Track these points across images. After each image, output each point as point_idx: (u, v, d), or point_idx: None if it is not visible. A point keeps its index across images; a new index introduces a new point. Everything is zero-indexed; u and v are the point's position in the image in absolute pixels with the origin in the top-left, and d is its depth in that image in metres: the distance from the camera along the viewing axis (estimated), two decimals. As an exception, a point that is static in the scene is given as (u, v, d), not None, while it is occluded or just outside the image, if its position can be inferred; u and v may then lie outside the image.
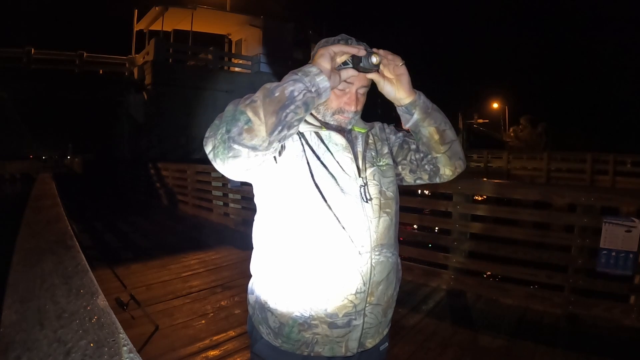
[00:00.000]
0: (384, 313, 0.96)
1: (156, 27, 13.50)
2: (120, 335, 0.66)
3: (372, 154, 0.98)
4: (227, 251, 4.31)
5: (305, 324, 0.89)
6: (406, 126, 0.98)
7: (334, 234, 0.88)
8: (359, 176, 0.92)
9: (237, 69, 14.02)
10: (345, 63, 0.87)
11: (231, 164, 0.75)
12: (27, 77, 11.00)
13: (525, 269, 2.86)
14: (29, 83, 10.85)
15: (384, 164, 0.98)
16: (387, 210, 0.95)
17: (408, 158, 1.02)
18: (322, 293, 0.89)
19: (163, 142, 11.53)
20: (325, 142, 0.93)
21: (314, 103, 0.78)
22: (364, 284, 0.89)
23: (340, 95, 0.92)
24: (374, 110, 1.03)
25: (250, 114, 0.72)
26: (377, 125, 1.06)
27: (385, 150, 1.02)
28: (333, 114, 0.94)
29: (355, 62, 0.86)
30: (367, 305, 0.91)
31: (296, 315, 0.90)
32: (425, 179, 1.03)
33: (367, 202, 0.91)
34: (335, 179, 0.90)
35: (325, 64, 0.80)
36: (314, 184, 0.89)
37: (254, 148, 0.73)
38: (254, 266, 1.00)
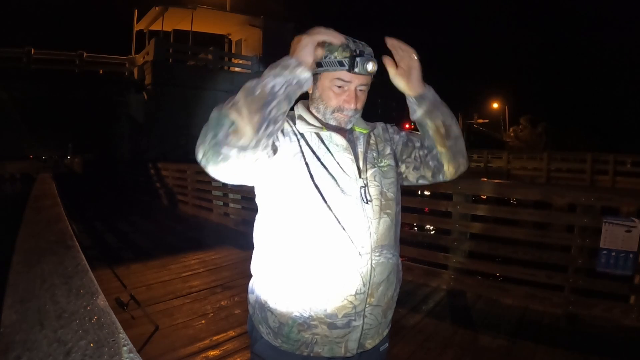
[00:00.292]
0: (384, 314, 0.96)
1: (156, 27, 13.50)
2: (120, 335, 0.66)
3: (373, 155, 0.97)
4: (227, 251, 4.31)
5: (304, 324, 0.89)
6: (413, 117, 0.99)
7: (333, 235, 0.88)
8: (360, 177, 0.92)
9: (237, 69, 14.01)
10: (341, 64, 0.87)
11: (223, 167, 0.76)
12: (27, 77, 11.00)
13: (525, 269, 2.86)
14: (29, 83, 10.85)
15: (385, 164, 0.98)
16: (388, 211, 0.94)
17: (412, 155, 1.02)
18: (321, 293, 0.89)
19: (163, 142, 11.52)
20: (326, 142, 0.92)
21: (297, 94, 0.79)
22: (364, 285, 0.89)
23: (339, 93, 0.92)
24: (374, 110, 1.03)
25: (234, 116, 0.73)
26: (380, 125, 1.05)
27: (388, 151, 1.01)
28: (332, 112, 0.93)
29: (351, 65, 0.86)
30: (367, 306, 0.91)
31: (296, 315, 0.90)
32: (428, 176, 1.03)
33: (367, 203, 0.91)
34: (336, 180, 0.90)
35: (306, 56, 0.80)
36: (313, 185, 0.88)
37: (242, 148, 0.74)
38: (255, 266, 1.00)
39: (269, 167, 0.87)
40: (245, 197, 5.36)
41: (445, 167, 1.00)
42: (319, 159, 0.90)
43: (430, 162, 1.01)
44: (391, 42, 0.91)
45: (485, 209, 3.21)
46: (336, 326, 0.90)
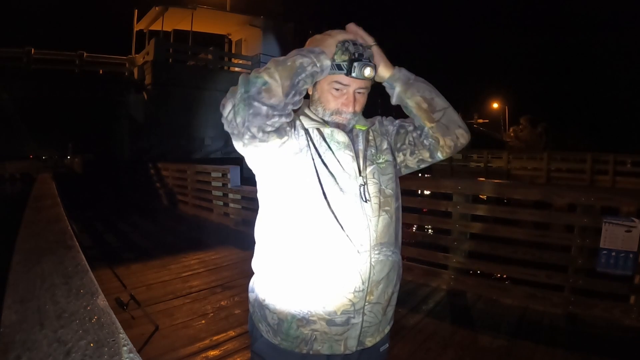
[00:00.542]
0: (384, 311, 0.96)
1: (156, 27, 13.50)
2: (120, 335, 0.66)
3: (372, 151, 0.98)
4: (227, 251, 4.31)
5: (303, 319, 0.90)
6: (392, 102, 1.00)
7: (332, 233, 0.88)
8: (359, 175, 0.92)
9: (237, 69, 14.01)
10: (339, 67, 0.88)
11: (251, 121, 0.78)
12: (27, 77, 10.99)
13: (525, 269, 2.86)
14: (29, 83, 10.84)
15: (383, 161, 0.98)
16: (387, 208, 0.95)
17: (406, 141, 1.02)
18: (320, 291, 0.89)
19: (163, 142, 11.51)
20: (327, 139, 0.93)
21: (317, 78, 0.86)
22: (363, 283, 0.90)
23: (337, 96, 0.93)
24: (374, 111, 1.03)
25: (266, 77, 0.78)
26: (377, 120, 1.06)
27: (385, 145, 1.01)
28: (331, 114, 0.94)
29: (348, 69, 0.88)
30: (366, 304, 0.91)
31: (294, 312, 0.90)
32: (426, 157, 1.01)
33: (366, 201, 0.91)
34: (335, 178, 0.90)
35: (328, 47, 0.87)
36: (314, 182, 0.89)
37: (272, 107, 0.78)
38: (255, 263, 1.01)
39: (281, 156, 0.88)
40: (245, 197, 5.36)
41: (442, 142, 0.98)
42: (320, 156, 0.91)
43: (425, 141, 0.99)
44: (350, 29, 0.94)
45: (485, 209, 3.21)
46: (335, 323, 0.90)
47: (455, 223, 3.18)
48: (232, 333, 2.39)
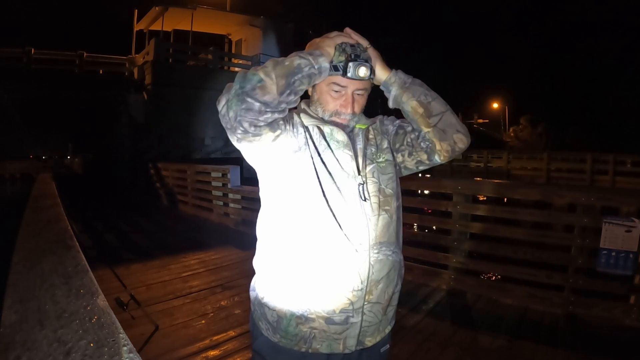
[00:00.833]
0: (384, 311, 0.96)
1: (156, 27, 13.49)
2: (120, 335, 0.66)
3: (372, 150, 0.98)
4: (227, 251, 4.31)
5: (302, 317, 0.90)
6: (389, 105, 1.00)
7: (330, 232, 0.88)
8: (359, 174, 0.92)
9: (237, 69, 14.00)
10: (336, 68, 0.89)
11: (243, 116, 0.79)
12: (27, 77, 10.99)
13: (525, 269, 2.86)
14: (29, 83, 10.84)
15: (383, 160, 0.98)
16: (387, 207, 0.94)
17: (405, 142, 1.01)
18: (318, 289, 0.89)
19: (163, 142, 11.51)
20: (327, 138, 0.93)
21: (315, 79, 0.87)
22: (362, 282, 0.90)
23: (336, 97, 0.93)
24: (374, 111, 1.03)
25: (262, 74, 0.79)
26: (378, 118, 1.06)
27: (385, 144, 1.01)
28: (330, 115, 0.95)
29: (344, 69, 0.88)
30: (365, 303, 0.91)
31: (294, 309, 0.91)
32: (424, 159, 1.00)
33: (365, 200, 0.91)
34: (333, 177, 0.90)
35: (327, 50, 0.88)
36: (314, 180, 0.89)
37: (265, 104, 0.79)
38: (256, 262, 1.01)
39: (278, 152, 0.88)
40: (245, 197, 5.36)
41: (439, 147, 0.96)
42: (319, 154, 0.91)
43: (422, 144, 0.98)
44: (348, 33, 0.94)
45: (485, 209, 3.21)
46: (334, 322, 0.90)
47: (455, 223, 3.17)
48: (232, 333, 2.39)
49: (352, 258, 0.89)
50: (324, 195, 0.89)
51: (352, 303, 0.90)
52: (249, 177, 6.28)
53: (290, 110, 0.91)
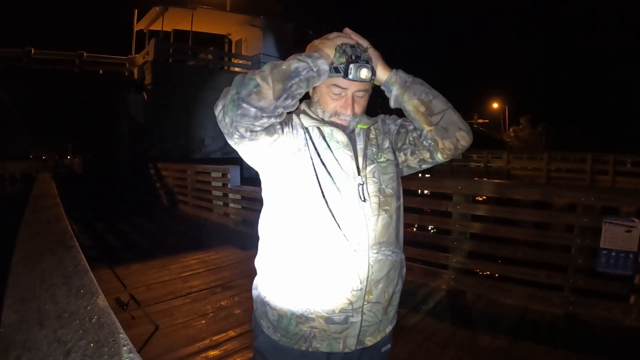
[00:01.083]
0: (384, 311, 0.96)
1: (156, 27, 13.50)
2: (120, 335, 0.66)
3: (373, 150, 0.98)
4: (227, 251, 4.31)
5: (302, 316, 0.91)
6: (390, 105, 0.99)
7: (329, 232, 0.89)
8: (359, 174, 0.92)
9: (237, 69, 14.01)
10: (337, 70, 0.88)
11: (239, 121, 0.79)
12: (27, 77, 10.99)
13: (525, 269, 2.86)
14: (29, 83, 10.84)
15: (384, 160, 0.98)
16: (386, 208, 0.94)
17: (407, 141, 1.00)
18: (318, 289, 0.90)
19: (163, 142, 11.52)
20: (327, 138, 0.93)
21: (314, 82, 0.86)
22: (361, 282, 0.90)
23: (336, 98, 0.93)
24: (374, 111, 1.03)
25: (259, 79, 0.79)
26: (380, 118, 1.06)
27: (387, 144, 1.01)
28: (331, 116, 0.95)
29: (345, 71, 0.88)
30: (365, 303, 0.91)
31: (294, 309, 0.91)
32: (427, 158, 0.99)
33: (364, 201, 0.91)
34: (333, 178, 0.90)
35: (327, 51, 0.88)
36: (314, 181, 0.90)
37: (261, 109, 0.79)
38: (258, 260, 1.02)
39: (277, 154, 0.89)
40: (245, 197, 5.36)
41: (441, 145, 0.96)
42: (319, 155, 0.91)
43: (424, 142, 0.98)
44: (347, 33, 0.94)
45: (485, 209, 3.21)
46: (334, 321, 0.90)
47: (455, 223, 3.17)
48: (232, 333, 2.39)
49: (351, 258, 0.89)
50: (323, 196, 0.89)
51: (351, 303, 0.90)
52: (249, 177, 6.27)
53: (290, 112, 0.91)
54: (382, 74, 0.96)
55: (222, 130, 0.84)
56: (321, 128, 0.94)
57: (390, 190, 0.96)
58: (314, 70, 0.84)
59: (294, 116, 0.95)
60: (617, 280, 2.51)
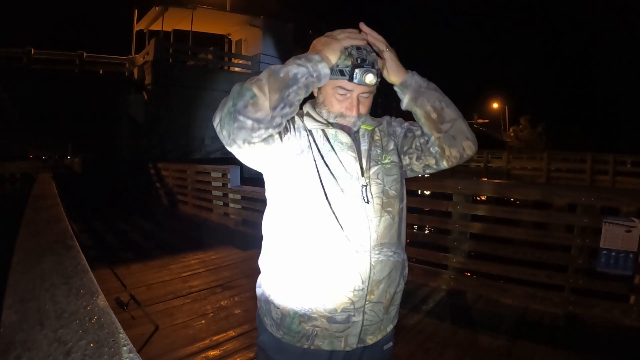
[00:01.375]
0: (385, 311, 0.97)
1: (156, 27, 13.50)
2: (120, 335, 0.66)
3: (377, 152, 0.98)
4: (227, 251, 4.31)
5: (305, 315, 0.92)
6: (402, 107, 0.99)
7: (331, 233, 0.89)
8: (362, 176, 0.93)
9: (237, 69, 14.02)
10: (342, 73, 0.88)
11: (236, 134, 0.79)
12: (27, 77, 10.99)
13: (525, 269, 2.86)
14: (29, 83, 10.84)
15: (388, 161, 0.98)
16: (389, 209, 0.95)
17: (413, 145, 1.00)
18: (320, 289, 0.91)
19: (163, 142, 11.52)
20: (331, 140, 0.93)
21: (314, 86, 0.84)
22: (363, 282, 0.91)
23: (341, 100, 0.93)
24: (374, 110, 1.03)
25: (255, 90, 0.78)
26: (385, 119, 1.05)
27: (391, 146, 1.01)
28: (335, 117, 0.95)
29: (350, 75, 0.87)
30: (366, 303, 0.92)
31: (297, 308, 0.92)
32: (432, 164, 0.99)
33: (367, 202, 0.92)
34: (336, 179, 0.91)
35: (331, 54, 0.86)
36: (317, 182, 0.90)
37: (258, 121, 0.78)
38: (262, 259, 1.03)
39: (278, 158, 0.89)
40: (245, 197, 5.36)
41: (447, 152, 0.96)
42: (322, 157, 0.92)
43: (431, 149, 0.98)
44: (363, 30, 0.91)
45: (485, 209, 3.21)
46: (335, 321, 0.91)
47: (455, 223, 3.17)
48: (232, 333, 2.39)
49: (353, 259, 0.89)
50: (326, 197, 0.89)
51: (353, 302, 0.91)
52: (249, 177, 6.28)
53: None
54: (397, 76, 0.94)
55: (220, 137, 0.83)
56: (325, 130, 0.94)
57: (394, 192, 0.97)
58: (314, 75, 0.82)
59: (297, 118, 0.95)
60: (617, 280, 2.51)
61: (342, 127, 0.95)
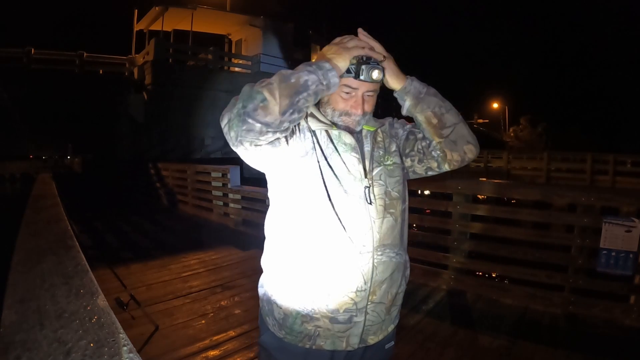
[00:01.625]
0: (387, 311, 0.97)
1: (156, 27, 13.49)
2: (120, 335, 0.66)
3: (379, 153, 0.98)
4: (227, 251, 4.31)
5: (307, 316, 0.92)
6: (402, 112, 1.00)
7: (334, 233, 0.89)
8: (365, 177, 0.93)
9: (237, 69, 14.01)
10: (348, 71, 0.88)
11: (244, 136, 0.79)
12: (27, 77, 10.99)
13: (525, 269, 2.86)
14: (29, 83, 10.84)
15: (390, 163, 0.98)
16: (392, 210, 0.95)
17: (415, 148, 1.01)
18: (323, 289, 0.91)
19: (163, 142, 11.52)
20: (334, 141, 0.94)
21: (323, 94, 0.84)
22: (365, 283, 0.91)
23: (346, 98, 0.93)
24: (375, 112, 1.04)
25: (266, 94, 0.77)
26: (388, 121, 1.05)
27: (393, 147, 1.01)
28: (340, 115, 0.95)
29: (356, 72, 0.87)
30: (369, 303, 0.93)
31: (299, 308, 0.92)
32: (434, 167, 1.00)
33: (370, 203, 0.92)
34: (340, 180, 0.91)
35: (341, 63, 0.86)
36: (321, 183, 0.90)
37: (266, 125, 0.78)
38: (264, 259, 1.03)
39: (283, 160, 0.89)
40: (245, 197, 5.36)
41: (449, 157, 0.97)
42: (326, 158, 0.92)
43: (433, 152, 0.98)
44: (362, 37, 0.92)
45: (485, 209, 3.21)
46: (338, 321, 0.92)
47: (455, 223, 3.17)
48: (232, 333, 2.39)
49: (356, 260, 0.90)
50: (329, 198, 0.90)
51: (355, 303, 0.91)
52: (249, 177, 6.28)
53: None
54: (397, 83, 0.95)
55: (226, 138, 0.84)
56: (329, 131, 0.94)
57: (396, 193, 0.97)
58: (324, 83, 0.82)
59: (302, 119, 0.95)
60: (617, 280, 2.51)
61: (346, 128, 0.95)
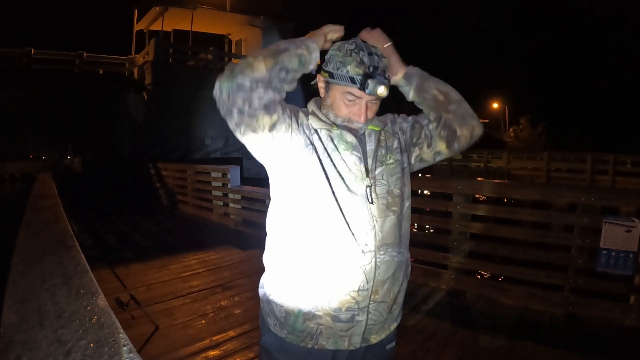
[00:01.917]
0: (389, 310, 0.97)
1: (156, 27, 13.50)
2: (120, 335, 0.66)
3: (382, 152, 0.98)
4: (227, 251, 4.31)
5: (309, 313, 0.92)
6: (409, 98, 1.03)
7: (337, 233, 0.89)
8: (367, 176, 0.93)
9: (237, 69, 13.99)
10: (353, 81, 0.88)
11: (235, 94, 0.80)
12: (27, 77, 10.99)
13: (525, 269, 2.86)
14: (29, 83, 10.84)
15: (392, 161, 0.98)
16: (394, 209, 0.95)
17: (422, 134, 1.03)
18: (325, 288, 0.91)
19: (163, 142, 11.52)
20: (335, 140, 0.93)
21: (305, 60, 0.87)
22: (367, 282, 0.91)
23: (349, 105, 0.93)
24: (389, 110, 1.05)
25: (250, 58, 0.83)
26: (389, 118, 1.05)
27: (395, 145, 1.01)
28: (342, 121, 0.94)
29: (362, 84, 0.87)
30: (371, 302, 0.93)
31: (301, 306, 0.92)
32: (443, 149, 1.02)
33: (372, 202, 0.92)
34: (342, 179, 0.91)
35: (315, 37, 0.92)
36: (324, 181, 0.90)
37: (255, 80, 0.81)
38: (266, 256, 1.02)
39: (283, 151, 0.89)
40: (245, 197, 5.36)
41: (459, 132, 1.00)
42: (328, 157, 0.92)
43: (442, 132, 1.00)
44: (364, 34, 0.98)
45: (485, 209, 3.21)
46: (340, 320, 0.92)
47: (455, 223, 3.17)
48: (232, 333, 2.39)
49: (359, 259, 0.90)
50: (334, 196, 0.90)
51: (357, 302, 0.91)
52: (249, 177, 6.29)
53: (298, 111, 0.93)
54: (400, 70, 1.01)
55: (221, 110, 0.83)
56: (331, 130, 0.94)
57: (398, 191, 0.97)
58: (303, 47, 0.87)
59: (302, 115, 0.94)
60: (617, 280, 2.51)
61: (349, 130, 0.94)
